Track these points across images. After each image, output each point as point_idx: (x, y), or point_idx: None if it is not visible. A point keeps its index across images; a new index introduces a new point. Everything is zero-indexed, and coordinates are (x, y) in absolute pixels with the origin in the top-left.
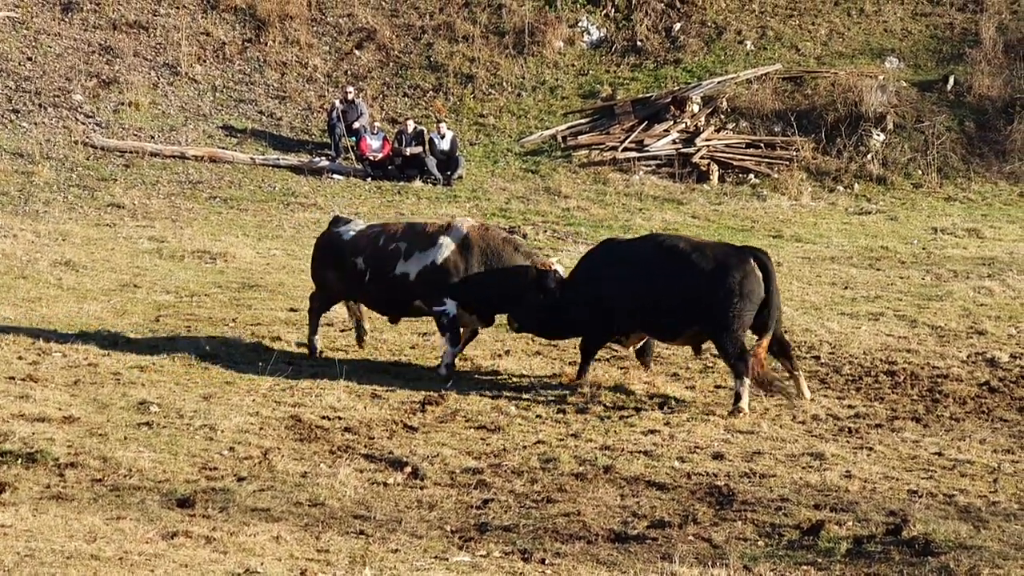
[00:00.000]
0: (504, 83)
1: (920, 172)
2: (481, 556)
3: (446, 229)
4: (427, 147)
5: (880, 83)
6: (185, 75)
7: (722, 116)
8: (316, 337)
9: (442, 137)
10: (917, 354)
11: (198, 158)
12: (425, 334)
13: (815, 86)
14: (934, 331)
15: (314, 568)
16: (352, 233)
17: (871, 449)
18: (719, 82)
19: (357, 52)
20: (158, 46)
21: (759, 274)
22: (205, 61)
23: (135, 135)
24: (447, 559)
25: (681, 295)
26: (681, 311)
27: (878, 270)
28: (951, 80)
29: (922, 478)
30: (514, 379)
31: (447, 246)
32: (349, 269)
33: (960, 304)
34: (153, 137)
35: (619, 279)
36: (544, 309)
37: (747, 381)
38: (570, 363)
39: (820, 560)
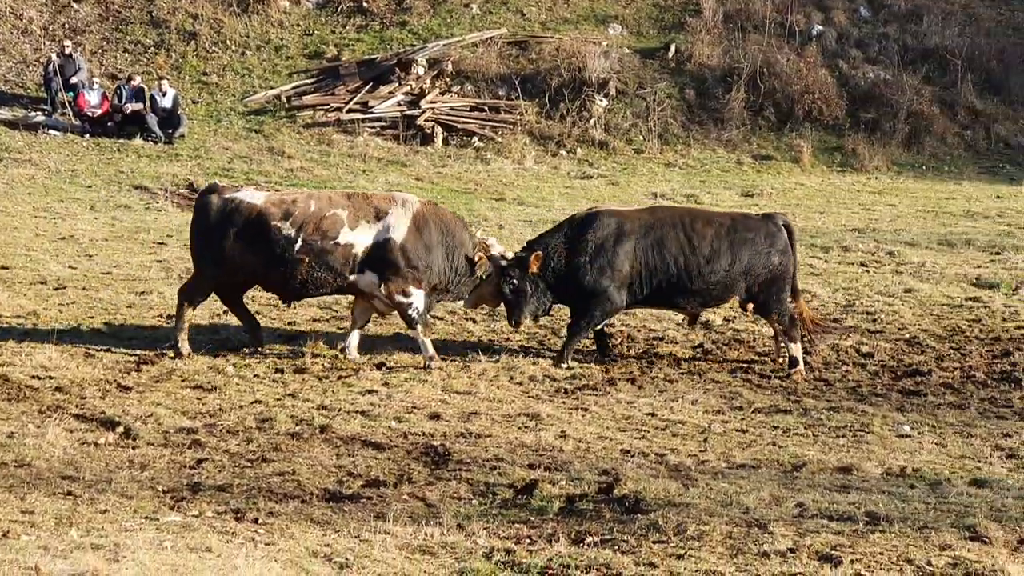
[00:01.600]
0: (228, 41)
1: (641, 138)
2: (193, 516)
3: (395, 201)
4: (148, 104)
5: (603, 50)
6: None
7: (447, 79)
8: (183, 334)
9: (163, 95)
10: (634, 316)
11: None
12: (143, 293)
13: (540, 51)
14: None
15: (17, 530)
16: (263, 198)
17: (586, 410)
18: (445, 45)
19: (75, 5)
20: None
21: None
22: None
23: None
24: (158, 519)
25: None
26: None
27: None
28: (672, 48)
29: (635, 438)
30: (233, 339)
31: (403, 220)
32: (270, 237)
33: None
34: None
35: (648, 251)
36: (531, 293)
37: (800, 344)
38: (288, 323)
39: (533, 518)
